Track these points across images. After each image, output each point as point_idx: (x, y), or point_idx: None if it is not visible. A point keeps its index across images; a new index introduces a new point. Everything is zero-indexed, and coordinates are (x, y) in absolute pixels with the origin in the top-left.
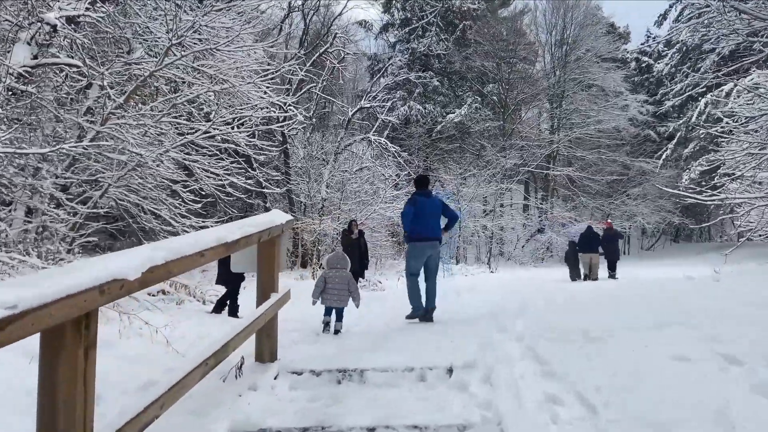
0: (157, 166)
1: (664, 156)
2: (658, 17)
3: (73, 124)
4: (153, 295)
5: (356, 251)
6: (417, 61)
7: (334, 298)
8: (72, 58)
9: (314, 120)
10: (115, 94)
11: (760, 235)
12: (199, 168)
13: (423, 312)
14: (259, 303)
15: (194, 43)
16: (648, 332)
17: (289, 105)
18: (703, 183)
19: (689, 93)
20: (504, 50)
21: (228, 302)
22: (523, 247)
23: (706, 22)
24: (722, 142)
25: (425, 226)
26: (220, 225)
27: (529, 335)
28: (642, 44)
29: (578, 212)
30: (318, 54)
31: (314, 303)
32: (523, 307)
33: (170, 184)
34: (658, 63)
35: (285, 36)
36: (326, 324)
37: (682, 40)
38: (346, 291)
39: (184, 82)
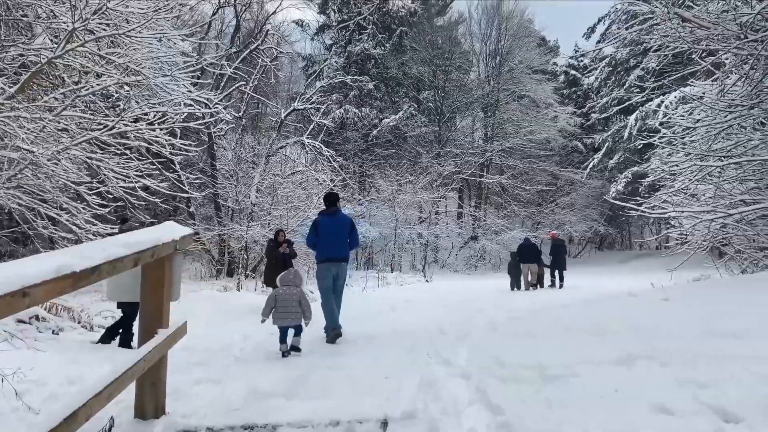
0: (55, 165)
1: (590, 166)
2: (587, 30)
3: None
4: (23, 322)
5: (282, 265)
6: (353, 64)
7: (287, 316)
8: None
9: (244, 121)
10: (7, 83)
11: (683, 243)
12: (106, 169)
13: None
14: (141, 341)
15: (103, 29)
16: (613, 369)
17: (216, 103)
18: (626, 194)
19: (622, 105)
20: (440, 58)
21: (121, 330)
22: (456, 254)
23: (646, 29)
24: (654, 153)
25: (328, 247)
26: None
27: (476, 371)
28: (570, 57)
29: (510, 220)
30: (249, 51)
31: (263, 321)
32: (464, 332)
33: (73, 185)
34: (586, 76)
35: (216, 33)
36: (283, 353)
37: (611, 54)
38: (297, 308)
39: (89, 73)
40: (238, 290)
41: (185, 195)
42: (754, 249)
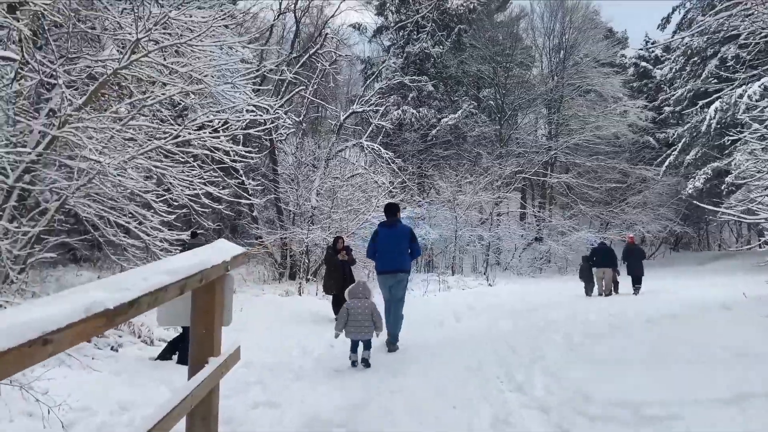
0: (122, 174)
1: (666, 162)
2: (662, 20)
3: (25, 127)
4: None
5: (341, 272)
6: (411, 65)
7: (359, 330)
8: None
9: (304, 125)
10: (76, 95)
11: None
12: (170, 176)
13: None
14: (192, 373)
15: (166, 39)
16: (723, 411)
17: (276, 109)
18: (704, 191)
19: (706, 98)
20: (500, 54)
21: (180, 345)
22: (520, 256)
23: (736, 14)
24: (736, 148)
25: (385, 259)
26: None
27: (557, 405)
28: (641, 49)
29: (577, 220)
30: (308, 55)
31: (337, 336)
32: (538, 351)
33: (141, 193)
34: (658, 68)
35: (277, 39)
36: (353, 362)
37: (687, 44)
38: (370, 321)
39: (155, 83)
40: (300, 294)
41: (243, 201)
42: None
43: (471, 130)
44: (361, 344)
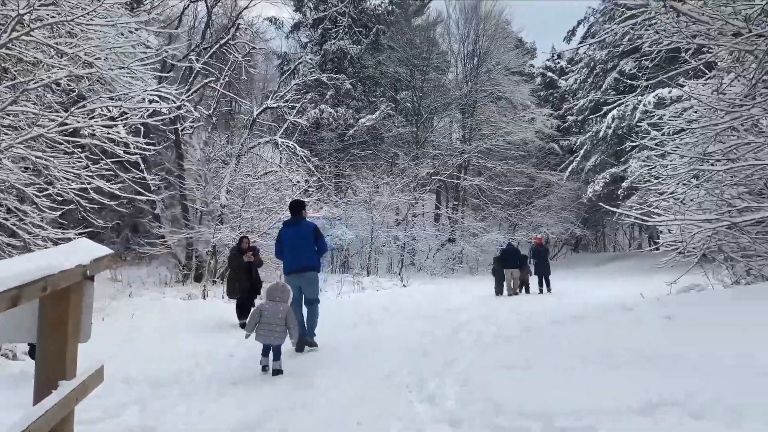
0: None
1: (569, 168)
2: (567, 33)
3: None
4: None
5: (247, 274)
6: (329, 62)
7: (269, 334)
8: None
9: (215, 119)
10: None
11: (680, 252)
12: (54, 168)
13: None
14: (36, 399)
15: (52, 16)
16: (635, 422)
17: (182, 100)
18: (602, 195)
19: (612, 105)
20: (417, 58)
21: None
22: (434, 257)
23: (640, 23)
24: (631, 156)
25: (292, 258)
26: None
27: (467, 419)
28: (547, 60)
29: (488, 222)
30: (219, 45)
31: (247, 337)
32: (450, 355)
33: (22, 187)
34: (563, 79)
35: (188, 28)
36: (264, 367)
37: (590, 56)
38: (283, 326)
39: (40, 65)
40: (204, 298)
41: (145, 197)
42: (743, 256)
43: (388, 131)
44: (271, 352)
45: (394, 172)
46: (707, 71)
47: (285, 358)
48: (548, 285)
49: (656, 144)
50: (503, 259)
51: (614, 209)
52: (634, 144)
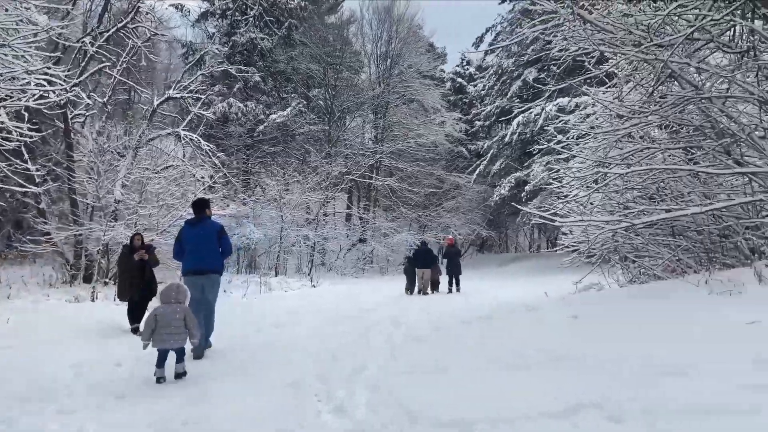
0: None
1: (477, 171)
2: (476, 39)
3: None
4: None
5: (140, 274)
6: (238, 54)
7: (169, 338)
8: None
9: (110, 107)
10: None
11: (581, 253)
12: None
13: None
14: None
15: None
16: (560, 426)
17: (73, 85)
18: (507, 198)
19: (510, 116)
20: (330, 56)
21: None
22: (344, 257)
23: (550, 29)
24: (534, 161)
25: (194, 259)
26: None
27: (380, 429)
28: (457, 66)
29: (398, 222)
30: (116, 28)
31: (145, 347)
32: (360, 359)
33: None
34: (472, 85)
35: (84, 11)
36: (159, 378)
37: (497, 64)
38: (183, 328)
39: None
40: (93, 300)
41: (28, 190)
42: (637, 256)
43: (300, 129)
44: (173, 355)
45: (306, 170)
46: (608, 80)
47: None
48: (458, 285)
49: (562, 147)
50: (415, 259)
51: (529, 210)
52: (540, 148)
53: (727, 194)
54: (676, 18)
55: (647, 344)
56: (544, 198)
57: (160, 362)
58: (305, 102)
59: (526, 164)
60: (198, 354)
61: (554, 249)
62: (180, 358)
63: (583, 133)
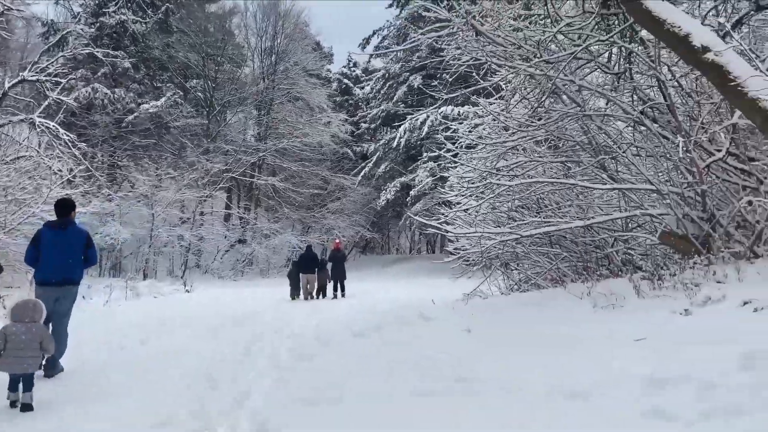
0: None
1: (362, 174)
2: (363, 40)
3: None
4: None
5: None
6: (106, 37)
7: (20, 361)
8: None
9: None
10: None
11: (466, 260)
12: None
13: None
14: None
15: None
16: None
17: None
18: (390, 202)
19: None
20: (211, 46)
21: None
22: (222, 258)
23: (444, 37)
24: (417, 166)
25: (52, 268)
26: None
27: None
28: (344, 66)
29: (281, 224)
30: None
31: None
32: (243, 384)
33: None
34: (358, 87)
35: None
36: (13, 402)
37: (385, 67)
38: (37, 351)
39: None
40: None
41: None
42: (519, 265)
43: (175, 121)
44: (21, 382)
45: (182, 166)
46: (495, 92)
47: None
48: (342, 290)
49: (452, 156)
50: (301, 263)
51: (425, 222)
52: (433, 154)
53: (601, 207)
54: (562, 37)
55: (547, 366)
56: (426, 203)
57: (13, 386)
58: (182, 93)
59: (410, 168)
60: (51, 373)
61: (444, 254)
62: (27, 386)
63: (474, 143)
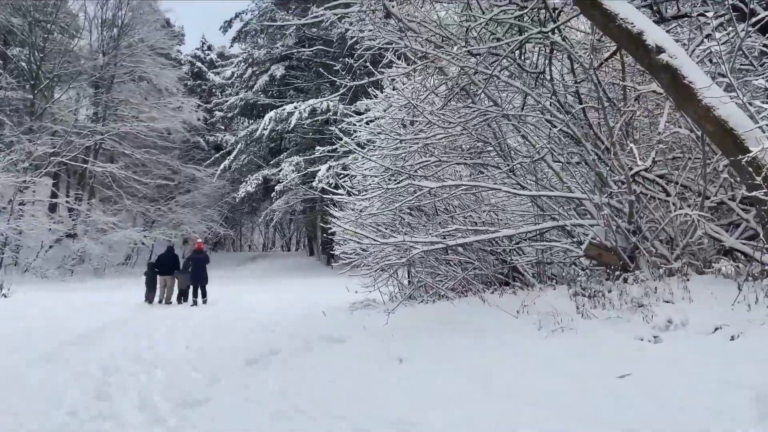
0: None
1: (222, 166)
2: (224, 23)
3: None
4: None
5: None
6: None
7: None
8: None
9: None
10: None
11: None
12: None
13: None
14: None
15: None
16: None
17: None
18: (247, 196)
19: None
20: (40, 11)
21: None
22: (46, 254)
23: (350, 20)
24: (282, 159)
25: None
26: None
27: None
28: (197, 49)
29: (121, 217)
30: None
31: None
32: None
33: None
34: (213, 72)
35: None
36: None
37: (248, 53)
38: None
39: None
40: None
41: None
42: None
43: None
44: None
45: None
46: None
47: None
48: (204, 295)
49: (345, 152)
50: (159, 265)
51: (342, 226)
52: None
53: (514, 216)
54: (484, 30)
55: (502, 409)
56: (289, 199)
57: None
58: (1, 62)
59: (272, 163)
60: None
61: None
62: None
63: (373, 139)
